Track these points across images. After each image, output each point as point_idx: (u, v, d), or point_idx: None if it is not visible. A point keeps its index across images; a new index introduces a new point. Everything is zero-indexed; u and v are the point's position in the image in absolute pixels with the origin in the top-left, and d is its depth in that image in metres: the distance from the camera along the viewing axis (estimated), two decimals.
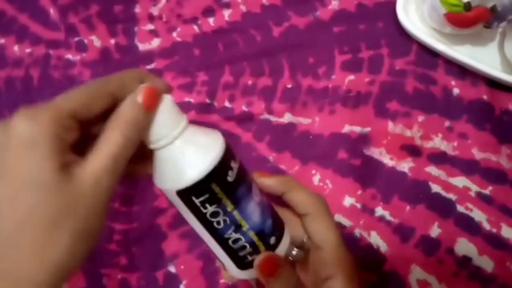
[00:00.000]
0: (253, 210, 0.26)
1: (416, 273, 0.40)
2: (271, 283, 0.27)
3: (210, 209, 0.25)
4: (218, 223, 0.25)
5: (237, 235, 0.26)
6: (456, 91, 0.45)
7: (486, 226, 0.41)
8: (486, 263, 0.40)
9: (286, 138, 0.45)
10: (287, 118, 0.46)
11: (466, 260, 0.40)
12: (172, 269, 0.43)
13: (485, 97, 0.44)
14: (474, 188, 0.42)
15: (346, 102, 0.45)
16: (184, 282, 0.42)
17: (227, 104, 0.47)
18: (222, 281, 0.42)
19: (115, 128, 0.23)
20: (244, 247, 0.27)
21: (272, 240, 0.28)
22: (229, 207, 0.25)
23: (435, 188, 0.42)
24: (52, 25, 0.51)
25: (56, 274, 0.21)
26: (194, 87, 0.47)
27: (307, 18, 0.48)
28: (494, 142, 0.43)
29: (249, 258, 0.27)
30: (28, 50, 0.51)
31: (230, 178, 0.25)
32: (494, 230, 0.41)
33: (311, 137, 0.45)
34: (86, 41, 0.50)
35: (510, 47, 0.43)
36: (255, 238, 0.27)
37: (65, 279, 0.22)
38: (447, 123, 0.44)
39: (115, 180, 0.22)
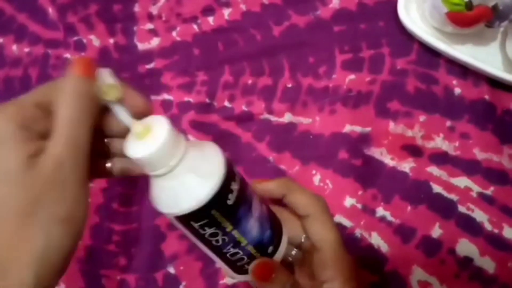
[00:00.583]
0: (252, 226, 0.26)
1: (417, 274, 0.40)
2: (267, 286, 0.27)
3: (209, 231, 0.25)
4: (217, 241, 0.25)
5: (236, 250, 0.26)
6: (457, 90, 0.45)
7: (488, 226, 0.41)
8: (487, 264, 0.40)
9: (286, 138, 0.45)
10: (287, 118, 0.45)
11: (467, 261, 0.40)
12: (171, 270, 0.42)
13: (486, 96, 0.44)
14: (476, 188, 0.42)
15: (346, 102, 0.45)
16: (183, 283, 0.42)
17: (227, 104, 0.46)
18: (221, 282, 0.41)
19: (62, 104, 0.22)
20: (242, 259, 0.27)
21: (270, 249, 0.28)
22: (228, 228, 0.25)
23: (436, 188, 0.42)
24: (50, 25, 0.51)
25: (39, 265, 0.21)
26: (193, 86, 0.47)
27: (308, 17, 0.48)
28: (496, 142, 0.43)
29: (247, 266, 0.27)
30: (26, 50, 0.51)
31: (230, 202, 0.24)
32: (495, 231, 0.41)
33: (311, 137, 0.44)
34: (85, 40, 0.50)
35: None
36: (253, 251, 0.27)
37: (54, 272, 0.21)
38: (448, 123, 0.44)
39: (80, 158, 0.22)
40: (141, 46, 0.49)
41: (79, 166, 0.22)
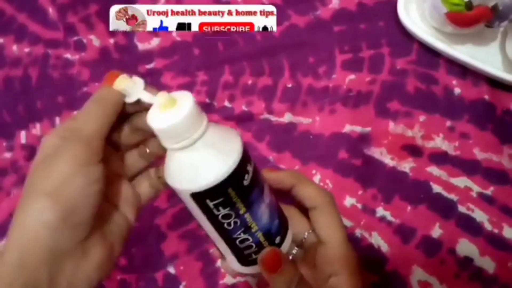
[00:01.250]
0: (263, 212, 0.26)
1: (417, 274, 0.40)
2: (274, 279, 0.27)
3: (223, 211, 0.25)
4: (229, 224, 0.25)
5: (246, 236, 0.26)
6: (457, 90, 0.45)
7: (488, 226, 0.41)
8: (487, 264, 0.40)
9: (286, 138, 0.45)
10: (287, 117, 0.45)
11: (467, 261, 0.40)
12: (171, 270, 0.42)
13: (486, 96, 0.44)
14: (476, 188, 0.42)
15: (346, 102, 0.45)
16: (183, 283, 0.42)
17: (227, 104, 0.46)
18: (221, 282, 0.41)
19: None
20: (250, 247, 0.27)
21: (278, 239, 0.28)
22: (242, 210, 0.25)
23: (436, 188, 0.42)
24: (51, 25, 0.51)
25: (23, 243, 0.21)
26: (193, 86, 0.47)
27: (308, 17, 0.48)
28: (496, 142, 0.43)
29: (254, 256, 0.27)
30: (26, 50, 0.51)
31: (245, 182, 0.24)
32: (495, 231, 0.41)
33: (311, 137, 0.44)
34: (85, 40, 0.50)
35: None
36: (262, 239, 0.27)
37: (41, 251, 0.21)
38: (448, 123, 0.44)
39: (77, 142, 0.23)
40: (141, 46, 0.49)
41: (72, 147, 0.23)
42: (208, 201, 0.24)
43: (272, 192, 0.28)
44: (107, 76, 0.26)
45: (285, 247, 0.28)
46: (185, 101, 0.23)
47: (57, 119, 0.48)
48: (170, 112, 0.23)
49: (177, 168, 0.24)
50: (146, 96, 0.25)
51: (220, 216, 0.25)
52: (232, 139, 0.25)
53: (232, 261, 0.28)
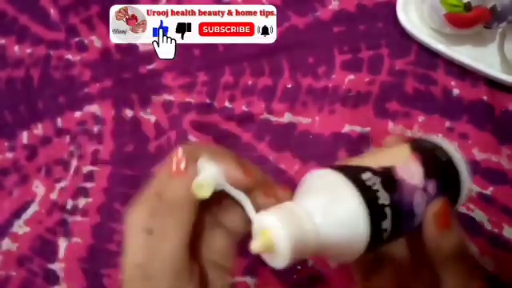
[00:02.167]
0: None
1: None
2: (445, 235, 0.23)
3: None
4: None
5: None
6: (456, 91, 0.45)
7: (488, 226, 0.41)
8: (487, 264, 0.40)
9: (286, 138, 0.45)
10: (287, 118, 0.46)
11: None
12: None
13: (485, 97, 0.44)
14: (475, 188, 0.42)
15: (346, 102, 0.45)
16: None
17: (227, 104, 0.47)
18: None
19: None
20: None
21: None
22: None
23: None
24: (52, 26, 0.51)
25: None
26: (194, 87, 0.47)
27: (307, 18, 0.48)
28: (495, 143, 0.43)
29: None
30: (28, 51, 0.51)
31: (385, 236, 0.22)
32: (495, 230, 0.41)
33: (311, 136, 0.45)
34: (86, 41, 0.50)
35: (510, 48, 0.43)
36: None
37: None
38: (447, 124, 0.44)
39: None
40: (142, 47, 0.50)
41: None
42: None
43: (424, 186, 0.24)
44: (176, 160, 0.22)
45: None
46: (280, 232, 0.20)
47: (59, 120, 0.48)
48: (273, 257, 0.21)
49: None
50: (250, 210, 0.22)
51: None
52: (351, 222, 0.21)
53: None
